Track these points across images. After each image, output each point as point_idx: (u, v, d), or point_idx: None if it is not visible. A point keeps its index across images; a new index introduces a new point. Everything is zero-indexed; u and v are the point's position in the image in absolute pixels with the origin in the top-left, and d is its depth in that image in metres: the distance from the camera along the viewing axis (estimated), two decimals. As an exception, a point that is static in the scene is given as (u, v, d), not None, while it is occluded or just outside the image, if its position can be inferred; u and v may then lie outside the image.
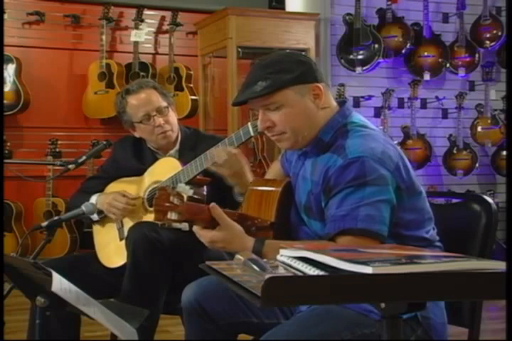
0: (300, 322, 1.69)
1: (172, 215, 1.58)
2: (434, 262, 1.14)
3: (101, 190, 2.65)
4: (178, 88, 5.18)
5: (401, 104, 5.25)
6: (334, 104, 1.85)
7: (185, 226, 1.65)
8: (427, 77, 5.17)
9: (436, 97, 5.34)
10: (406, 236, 1.71)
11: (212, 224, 1.68)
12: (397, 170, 1.68)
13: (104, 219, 2.63)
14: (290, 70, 1.74)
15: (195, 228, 1.71)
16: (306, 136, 1.79)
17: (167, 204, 1.58)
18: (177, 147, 2.65)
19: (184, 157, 2.54)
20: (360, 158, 1.66)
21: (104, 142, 2.68)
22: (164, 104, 2.60)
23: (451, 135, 5.31)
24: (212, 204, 1.67)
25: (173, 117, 2.63)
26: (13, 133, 4.96)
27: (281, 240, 1.71)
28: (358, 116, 1.84)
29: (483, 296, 1.27)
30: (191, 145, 2.61)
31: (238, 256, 1.38)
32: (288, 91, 1.74)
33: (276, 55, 1.85)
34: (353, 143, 1.71)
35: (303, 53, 1.88)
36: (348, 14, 5.02)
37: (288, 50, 1.97)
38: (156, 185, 2.54)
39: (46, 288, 1.47)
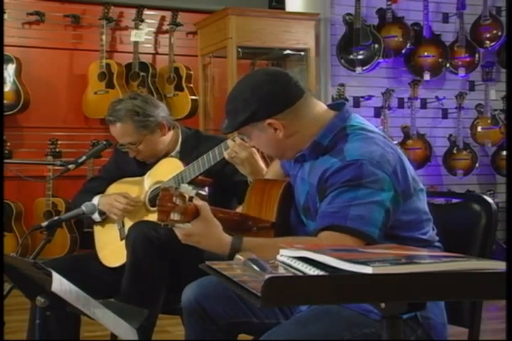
0: (300, 322, 1.69)
1: (175, 216, 1.58)
2: (434, 262, 1.14)
3: (103, 191, 2.66)
4: (178, 88, 5.18)
5: (401, 104, 5.25)
6: (315, 119, 1.79)
7: (188, 226, 1.64)
8: (427, 77, 5.17)
9: (436, 97, 5.34)
10: (404, 237, 1.71)
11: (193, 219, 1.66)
12: (394, 174, 1.68)
13: (105, 219, 2.63)
14: (241, 111, 1.77)
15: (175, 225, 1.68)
16: (285, 156, 1.90)
17: (170, 205, 1.58)
18: (178, 148, 2.64)
19: (185, 158, 2.53)
20: (358, 161, 1.66)
21: (104, 142, 2.68)
22: (137, 138, 2.52)
23: (451, 135, 5.31)
24: (195, 196, 1.66)
25: (152, 145, 2.55)
26: (13, 133, 4.96)
27: (267, 238, 1.73)
28: (358, 119, 1.83)
29: (483, 296, 1.27)
30: (192, 146, 2.60)
31: (238, 256, 1.38)
32: (247, 127, 1.81)
33: (239, 85, 1.84)
34: (352, 146, 1.71)
35: (268, 77, 1.81)
36: (348, 14, 5.02)
37: (254, 74, 1.92)
38: (158, 186, 2.54)
39: (46, 288, 1.47)
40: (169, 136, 2.63)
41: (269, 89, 1.75)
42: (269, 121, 1.76)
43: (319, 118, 1.81)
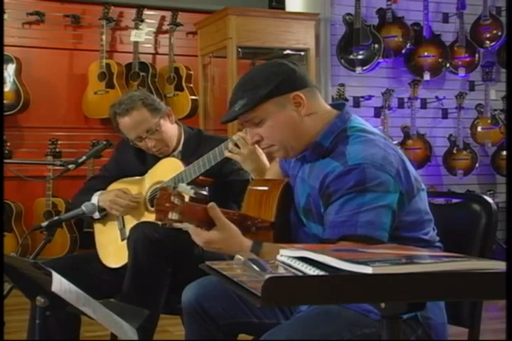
0: (300, 322, 1.69)
1: (173, 215, 1.58)
2: (434, 262, 1.14)
3: (103, 189, 2.65)
4: (178, 88, 5.19)
5: (401, 104, 5.25)
6: (326, 107, 1.83)
7: (186, 226, 1.65)
8: (427, 77, 5.17)
9: (436, 97, 5.34)
10: (405, 237, 1.71)
11: (207, 224, 1.67)
12: (397, 176, 1.67)
13: (105, 217, 2.63)
14: (264, 85, 1.73)
15: (191, 228, 1.69)
16: (294, 146, 1.80)
17: (168, 205, 1.58)
18: (180, 148, 2.64)
19: (187, 158, 2.53)
20: (361, 165, 1.64)
21: (104, 142, 2.68)
22: (154, 121, 2.52)
23: (451, 135, 5.31)
24: (211, 203, 1.66)
25: (166, 131, 2.56)
26: (13, 133, 4.96)
27: (280, 240, 1.71)
28: (358, 120, 1.83)
29: (483, 296, 1.27)
30: (194, 146, 2.60)
31: (238, 256, 1.37)
32: (267, 105, 1.74)
33: (251, 70, 1.84)
34: (354, 149, 1.70)
35: (283, 61, 1.83)
36: (348, 14, 5.02)
37: (267, 61, 1.93)
38: (158, 185, 2.54)
39: (46, 288, 1.47)
40: (175, 129, 2.63)
41: (290, 66, 1.77)
42: (295, 93, 1.74)
43: (327, 109, 1.83)
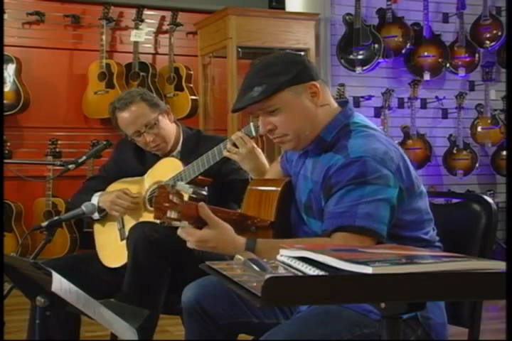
0: (300, 322, 1.69)
1: (171, 214, 1.58)
2: (434, 262, 1.14)
3: (102, 190, 2.65)
4: (178, 88, 5.19)
5: (401, 104, 5.25)
6: (334, 102, 1.85)
7: (184, 224, 1.64)
8: (427, 77, 5.17)
9: (436, 97, 5.34)
10: (405, 237, 1.71)
11: (200, 223, 1.67)
12: (397, 171, 1.68)
13: (105, 218, 2.63)
14: (284, 72, 1.74)
15: (182, 230, 1.68)
16: (307, 135, 1.79)
17: (166, 203, 1.58)
18: (179, 148, 2.64)
19: (186, 158, 2.53)
20: (362, 157, 1.66)
21: (104, 142, 2.68)
22: (153, 116, 2.54)
23: (451, 135, 5.31)
24: (200, 203, 1.66)
25: (165, 127, 2.57)
26: (13, 133, 4.96)
27: (279, 239, 1.71)
28: (361, 117, 1.85)
29: (483, 296, 1.27)
30: (193, 146, 2.60)
31: (238, 256, 1.37)
32: (285, 93, 1.74)
33: (268, 58, 1.84)
34: (356, 143, 1.72)
35: (298, 52, 1.85)
36: (348, 14, 5.02)
37: (282, 51, 1.94)
38: (157, 186, 2.54)
39: (46, 288, 1.47)
40: (174, 128, 2.63)
41: (306, 58, 1.80)
42: (312, 83, 1.76)
43: (335, 104, 1.85)
